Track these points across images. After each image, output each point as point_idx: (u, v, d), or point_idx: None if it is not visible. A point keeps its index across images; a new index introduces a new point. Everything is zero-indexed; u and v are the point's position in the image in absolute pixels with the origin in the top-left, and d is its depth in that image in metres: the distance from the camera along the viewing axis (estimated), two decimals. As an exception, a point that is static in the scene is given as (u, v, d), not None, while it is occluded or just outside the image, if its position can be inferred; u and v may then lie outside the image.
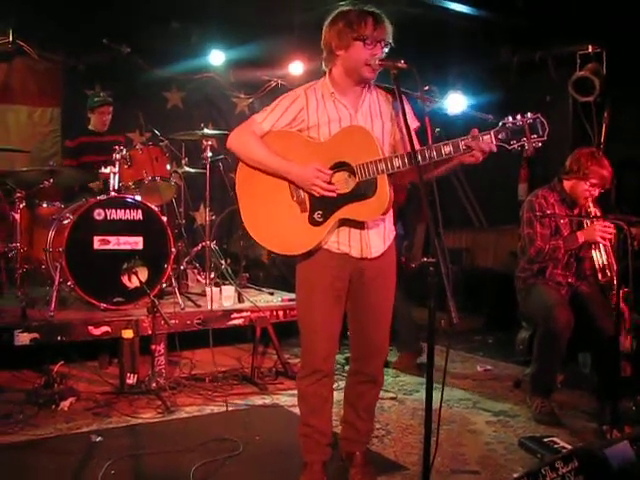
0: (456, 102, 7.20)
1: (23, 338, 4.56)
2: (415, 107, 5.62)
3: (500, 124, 2.86)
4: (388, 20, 3.01)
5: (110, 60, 6.91)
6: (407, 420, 4.38)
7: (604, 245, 4.36)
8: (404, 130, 2.90)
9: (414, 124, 3.09)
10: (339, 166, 2.99)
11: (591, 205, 4.45)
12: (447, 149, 2.87)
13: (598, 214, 4.42)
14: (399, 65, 2.87)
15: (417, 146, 2.89)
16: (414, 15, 6.28)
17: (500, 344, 6.44)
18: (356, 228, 3.05)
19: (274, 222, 3.10)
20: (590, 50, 6.25)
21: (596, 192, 4.43)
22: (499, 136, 2.84)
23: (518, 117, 2.83)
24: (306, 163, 2.99)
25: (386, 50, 3.00)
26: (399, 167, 2.89)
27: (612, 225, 4.22)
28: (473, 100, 7.23)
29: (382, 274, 3.17)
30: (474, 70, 7.31)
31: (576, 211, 4.54)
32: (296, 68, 7.25)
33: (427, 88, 6.50)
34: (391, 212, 3.16)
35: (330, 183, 2.97)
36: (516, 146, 2.85)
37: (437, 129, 6.13)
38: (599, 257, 4.40)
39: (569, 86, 6.25)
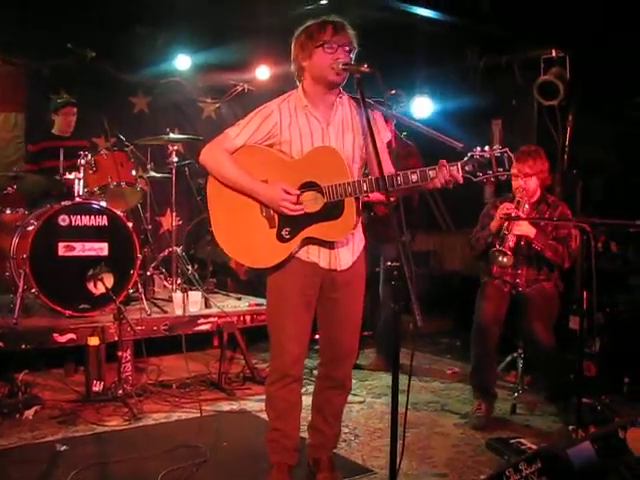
0: (423, 106, 7.25)
1: (-14, 346, 4.50)
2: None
3: (468, 156, 2.87)
4: (350, 27, 3.06)
5: (75, 65, 6.83)
6: (375, 424, 4.38)
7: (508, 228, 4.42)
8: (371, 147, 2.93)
9: (385, 137, 3.16)
10: (309, 185, 3.04)
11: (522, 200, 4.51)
12: (414, 177, 2.91)
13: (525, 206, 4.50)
14: (362, 69, 2.90)
15: (388, 164, 3.00)
16: (381, 19, 6.31)
17: (468, 346, 6.42)
18: (325, 243, 3.12)
19: (244, 236, 3.16)
20: (554, 54, 6.32)
21: (522, 183, 4.51)
22: (466, 168, 2.86)
23: (486, 149, 2.84)
24: (276, 182, 3.04)
25: (352, 56, 3.03)
26: (366, 191, 2.94)
27: (510, 204, 4.46)
28: (440, 104, 7.30)
29: (351, 282, 3.24)
30: (441, 74, 7.36)
31: None
32: (262, 73, 7.25)
33: (394, 92, 6.53)
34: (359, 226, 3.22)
35: (298, 202, 3.02)
36: (482, 178, 2.85)
37: (404, 132, 6.18)
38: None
39: (534, 90, 6.31)
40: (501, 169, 2.80)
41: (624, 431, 2.02)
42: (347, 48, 3.02)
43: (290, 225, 3.06)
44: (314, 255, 3.14)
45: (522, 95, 6.78)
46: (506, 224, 4.42)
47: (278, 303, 3.23)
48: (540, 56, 6.37)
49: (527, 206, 4.49)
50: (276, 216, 3.09)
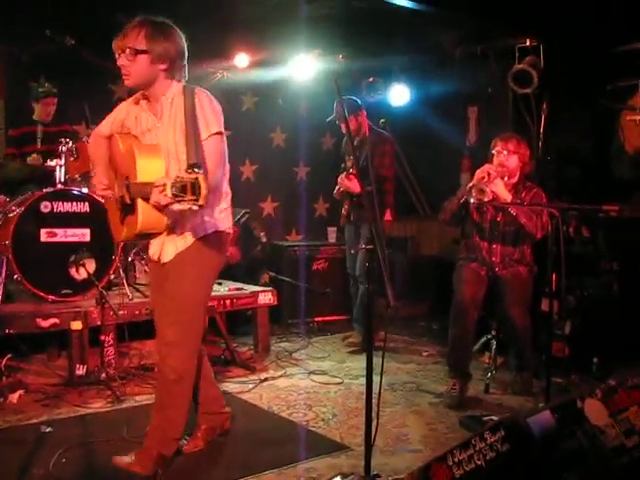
0: (400, 94, 7.35)
1: (-30, 331, 4.56)
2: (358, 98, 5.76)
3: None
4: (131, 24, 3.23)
5: (54, 51, 6.83)
6: (352, 404, 4.51)
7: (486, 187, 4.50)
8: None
9: (206, 132, 3.10)
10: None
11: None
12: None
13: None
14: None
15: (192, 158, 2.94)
16: (358, 8, 6.38)
17: (444, 330, 6.51)
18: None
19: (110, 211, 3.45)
20: (528, 44, 6.42)
21: (503, 159, 4.63)
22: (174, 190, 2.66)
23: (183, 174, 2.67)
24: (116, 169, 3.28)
25: (124, 56, 3.12)
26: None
27: (486, 166, 4.54)
28: (417, 92, 7.39)
29: (171, 277, 3.28)
30: (418, 63, 7.44)
31: None
32: (241, 60, 7.30)
33: (371, 80, 6.63)
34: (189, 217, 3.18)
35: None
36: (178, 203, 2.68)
37: (382, 120, 6.28)
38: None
39: (509, 78, 6.42)
40: (193, 196, 2.62)
41: (582, 401, 2.14)
42: (117, 55, 3.15)
43: (122, 211, 3.23)
44: (151, 243, 3.39)
45: (497, 83, 6.86)
46: (485, 179, 4.50)
47: None
48: (515, 45, 6.45)
49: (500, 182, 4.56)
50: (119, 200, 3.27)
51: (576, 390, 4.43)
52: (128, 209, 3.14)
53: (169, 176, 2.85)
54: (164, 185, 2.68)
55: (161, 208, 2.92)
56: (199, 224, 3.24)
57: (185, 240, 3.25)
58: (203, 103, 3.15)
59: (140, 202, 2.99)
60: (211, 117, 3.14)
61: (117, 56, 3.14)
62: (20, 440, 3.75)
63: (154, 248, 3.36)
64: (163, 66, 3.16)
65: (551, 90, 6.51)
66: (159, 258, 3.32)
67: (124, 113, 3.36)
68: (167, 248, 3.28)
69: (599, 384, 2.27)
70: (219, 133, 3.16)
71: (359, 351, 5.86)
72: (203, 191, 2.59)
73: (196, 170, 2.63)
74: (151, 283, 3.60)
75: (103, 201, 3.60)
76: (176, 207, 2.72)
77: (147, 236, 3.27)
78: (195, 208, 2.66)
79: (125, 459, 3.31)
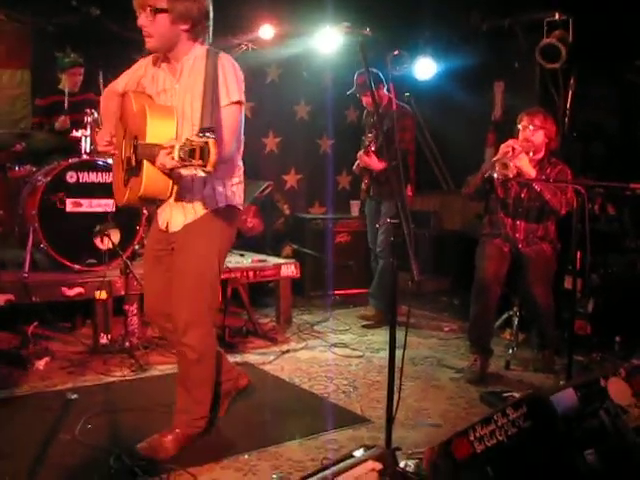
0: (426, 67, 7.29)
1: (-3, 299, 4.63)
2: (383, 73, 5.72)
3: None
4: None
5: (80, 22, 6.85)
6: (374, 377, 4.54)
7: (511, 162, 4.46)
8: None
9: (226, 99, 2.98)
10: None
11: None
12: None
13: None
14: None
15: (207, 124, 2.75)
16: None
17: (466, 305, 6.53)
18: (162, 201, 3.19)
19: (115, 172, 3.40)
20: (557, 17, 6.33)
21: (529, 134, 4.59)
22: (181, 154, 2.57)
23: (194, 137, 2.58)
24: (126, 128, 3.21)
25: (146, 16, 2.99)
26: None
27: (511, 141, 4.52)
28: (443, 66, 7.33)
29: (179, 250, 3.19)
30: (444, 36, 7.37)
31: None
32: (266, 32, 7.26)
33: (397, 53, 6.57)
34: (202, 181, 3.09)
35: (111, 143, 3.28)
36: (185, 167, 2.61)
37: (406, 93, 6.24)
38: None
39: (536, 53, 6.34)
40: (201, 161, 2.51)
41: (605, 380, 2.14)
42: (138, 13, 3.03)
43: (127, 171, 3.17)
44: (160, 212, 3.28)
45: (525, 58, 6.79)
46: (510, 154, 4.47)
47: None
48: (543, 19, 6.36)
49: (525, 157, 4.51)
50: (125, 160, 3.20)
51: (598, 368, 4.44)
52: (133, 171, 3.06)
53: (180, 139, 2.72)
54: (172, 147, 2.58)
55: (167, 171, 2.82)
56: (210, 195, 3.13)
57: (195, 211, 3.14)
58: (226, 69, 3.00)
59: (146, 164, 2.90)
60: (233, 84, 3.00)
61: (137, 15, 3.01)
62: (46, 406, 3.82)
63: (163, 217, 3.24)
64: (185, 26, 3.01)
65: (579, 65, 6.44)
66: (167, 228, 3.22)
67: (142, 71, 3.26)
68: (175, 217, 3.18)
69: (622, 363, 2.27)
70: (239, 102, 3.03)
71: (372, 325, 5.89)
72: (212, 157, 2.47)
73: (208, 135, 2.53)
74: (147, 255, 3.44)
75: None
76: (183, 172, 2.66)
77: (151, 201, 3.19)
78: (202, 174, 2.56)
79: (148, 444, 3.22)
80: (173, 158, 2.57)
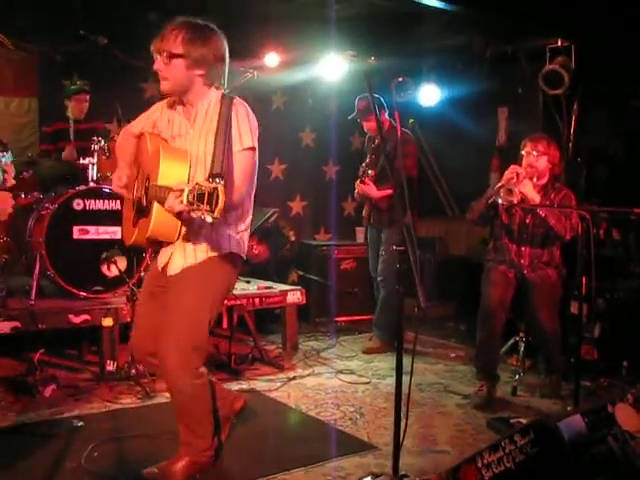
0: (430, 93, 7.33)
1: (4, 326, 4.63)
2: (386, 99, 5.76)
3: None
4: (172, 27, 3.09)
5: (87, 50, 6.92)
6: (380, 403, 4.53)
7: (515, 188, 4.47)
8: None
9: (239, 145, 2.99)
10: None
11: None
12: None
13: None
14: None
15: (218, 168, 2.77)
16: (388, 8, 6.38)
17: (472, 331, 6.53)
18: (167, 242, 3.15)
19: (125, 211, 3.40)
20: (559, 44, 6.39)
21: (533, 160, 4.59)
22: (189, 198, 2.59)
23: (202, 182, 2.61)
24: (139, 169, 3.23)
25: (165, 61, 3.02)
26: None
27: (514, 167, 4.52)
28: (447, 92, 7.37)
29: (174, 291, 3.13)
30: (448, 62, 7.43)
31: None
32: (271, 60, 7.34)
33: (401, 80, 6.60)
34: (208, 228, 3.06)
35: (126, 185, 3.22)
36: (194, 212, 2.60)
37: (411, 120, 6.27)
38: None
39: (539, 79, 6.39)
40: (209, 206, 2.53)
41: (612, 406, 2.14)
42: (155, 57, 3.06)
43: (137, 213, 3.16)
44: (161, 252, 3.23)
45: (528, 84, 6.84)
46: (514, 180, 4.47)
47: None
48: (546, 45, 6.43)
49: (529, 182, 4.53)
50: (135, 202, 3.22)
51: (606, 394, 4.42)
52: (143, 212, 3.07)
53: (191, 184, 2.69)
54: (181, 191, 2.58)
55: (175, 214, 2.83)
56: (214, 241, 3.09)
57: (196, 256, 3.09)
58: (240, 115, 3.01)
59: (156, 206, 2.90)
60: (246, 131, 3.01)
61: (155, 59, 3.05)
62: (52, 433, 3.82)
63: (162, 257, 3.20)
64: (200, 72, 3.02)
65: (582, 91, 6.48)
66: (165, 269, 3.16)
67: (158, 114, 3.27)
68: (175, 260, 3.12)
69: (630, 388, 2.27)
70: (252, 149, 3.03)
71: (375, 350, 5.87)
72: (220, 203, 2.49)
73: (217, 180, 2.56)
74: (144, 290, 3.41)
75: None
76: (191, 215, 2.65)
77: (157, 243, 3.17)
78: (209, 220, 2.54)
79: (158, 469, 3.24)
80: (182, 202, 2.58)
